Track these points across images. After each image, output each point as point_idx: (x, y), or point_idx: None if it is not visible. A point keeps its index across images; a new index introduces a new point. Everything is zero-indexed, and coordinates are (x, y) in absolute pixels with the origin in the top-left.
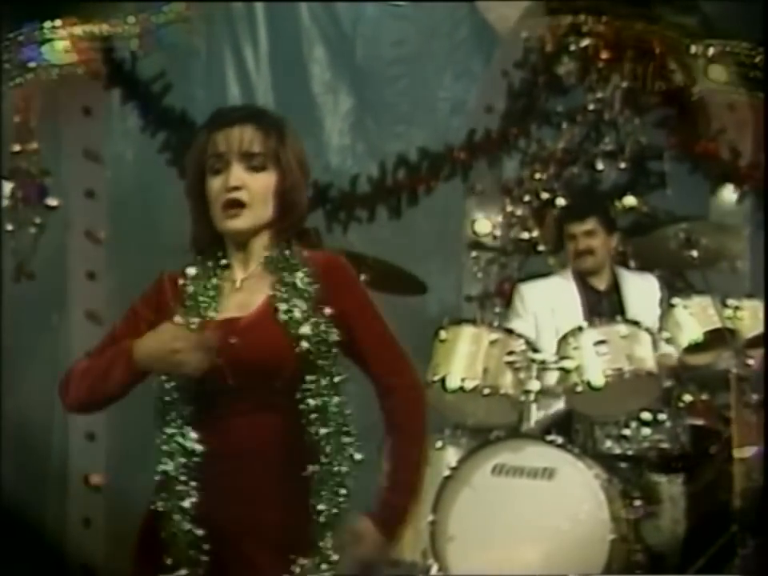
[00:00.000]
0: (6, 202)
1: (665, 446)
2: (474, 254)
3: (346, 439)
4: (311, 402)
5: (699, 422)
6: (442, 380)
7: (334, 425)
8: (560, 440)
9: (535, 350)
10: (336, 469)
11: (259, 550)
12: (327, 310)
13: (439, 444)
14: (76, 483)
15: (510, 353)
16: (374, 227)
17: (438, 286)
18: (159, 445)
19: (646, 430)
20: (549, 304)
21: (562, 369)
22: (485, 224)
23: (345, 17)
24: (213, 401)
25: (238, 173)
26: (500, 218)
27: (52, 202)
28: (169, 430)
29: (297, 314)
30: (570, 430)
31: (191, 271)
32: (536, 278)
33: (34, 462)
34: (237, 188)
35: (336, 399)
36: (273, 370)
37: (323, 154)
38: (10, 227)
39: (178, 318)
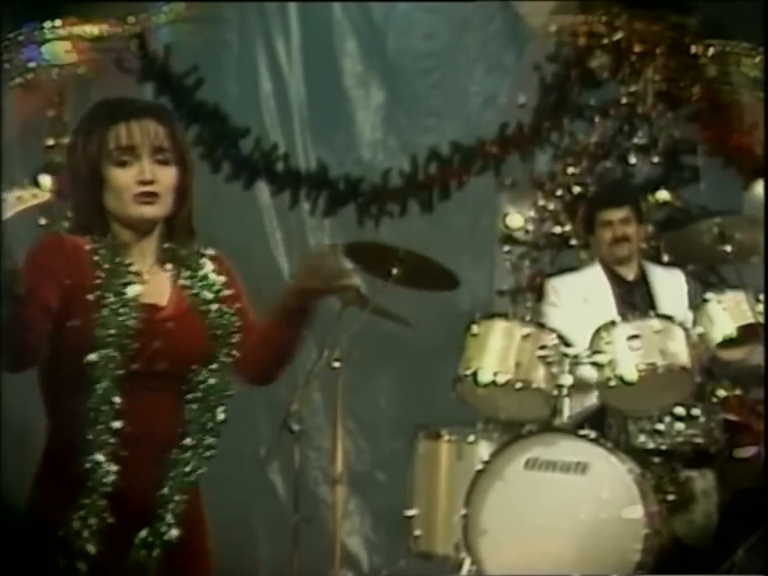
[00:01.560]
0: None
1: (699, 440)
2: (506, 248)
3: (218, 419)
4: (206, 388)
5: (732, 417)
6: (474, 374)
7: (214, 409)
8: (593, 434)
9: (567, 345)
10: (207, 441)
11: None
12: (227, 308)
13: (472, 438)
14: None
15: (543, 347)
16: (405, 221)
17: (470, 280)
18: (89, 416)
19: (680, 425)
20: (581, 295)
21: (594, 363)
22: (517, 218)
23: (377, 10)
24: (137, 382)
25: (150, 166)
26: (532, 213)
27: None
28: (103, 404)
29: (207, 305)
30: (603, 424)
31: (100, 245)
32: (566, 272)
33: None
34: (151, 182)
35: (224, 388)
36: (197, 358)
37: (355, 148)
38: (43, 221)
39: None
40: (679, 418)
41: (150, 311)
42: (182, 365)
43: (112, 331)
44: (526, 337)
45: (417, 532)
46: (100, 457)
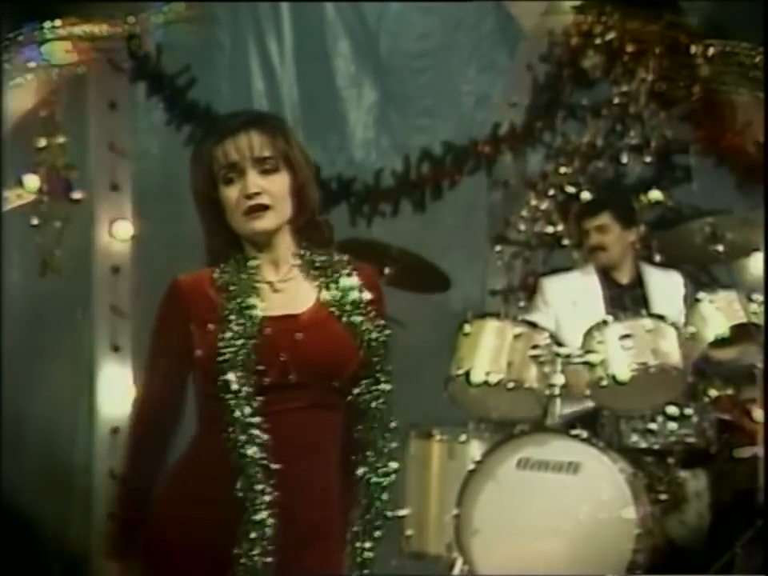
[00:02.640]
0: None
1: (691, 440)
2: (498, 248)
3: (391, 443)
4: (367, 403)
5: (725, 416)
6: (467, 374)
7: (381, 427)
8: (585, 434)
9: (560, 344)
10: (382, 470)
11: (319, 540)
12: (373, 317)
13: (463, 438)
14: (101, 477)
15: (535, 347)
16: (398, 221)
17: (462, 279)
18: (231, 437)
19: (672, 425)
20: (570, 298)
21: (586, 363)
22: None
23: (369, 10)
24: (273, 396)
25: (254, 179)
26: (524, 212)
27: (77, 195)
28: (241, 420)
29: (354, 317)
30: (596, 424)
31: (222, 275)
32: (559, 272)
33: (59, 456)
34: (257, 194)
35: (387, 402)
36: (336, 369)
37: (347, 147)
38: (35, 221)
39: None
40: (672, 418)
41: (278, 323)
42: (317, 375)
43: (234, 351)
44: (518, 336)
45: (408, 532)
46: (254, 474)
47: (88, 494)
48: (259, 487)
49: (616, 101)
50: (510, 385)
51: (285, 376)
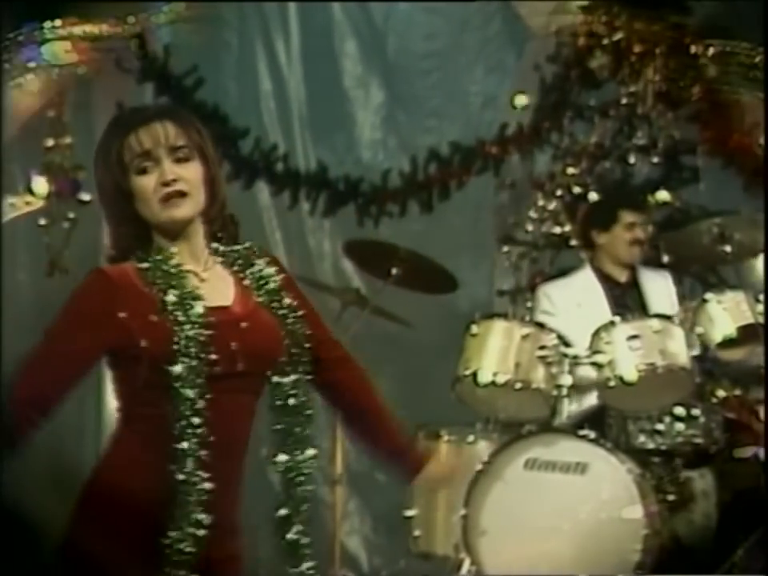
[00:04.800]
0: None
1: (698, 441)
2: (505, 248)
3: (307, 430)
4: (289, 391)
5: (732, 417)
6: (474, 374)
7: (302, 416)
8: (593, 435)
9: (567, 345)
10: (301, 456)
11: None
12: (288, 300)
13: (471, 438)
14: None
15: (542, 347)
16: (405, 222)
17: (470, 280)
18: (172, 424)
19: (680, 425)
20: (575, 300)
21: (594, 363)
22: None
23: (376, 11)
24: (218, 385)
25: (170, 166)
26: (532, 213)
27: (85, 196)
28: (186, 409)
29: (276, 306)
30: (603, 424)
31: (149, 260)
32: (556, 277)
33: (66, 456)
34: (174, 180)
35: (306, 391)
36: (275, 357)
37: (355, 148)
38: (43, 222)
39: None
40: (679, 418)
41: (218, 313)
42: (260, 363)
43: (190, 341)
44: (525, 337)
45: (416, 532)
46: (192, 466)
47: None
48: (194, 479)
49: (623, 101)
50: (518, 385)
51: (234, 365)
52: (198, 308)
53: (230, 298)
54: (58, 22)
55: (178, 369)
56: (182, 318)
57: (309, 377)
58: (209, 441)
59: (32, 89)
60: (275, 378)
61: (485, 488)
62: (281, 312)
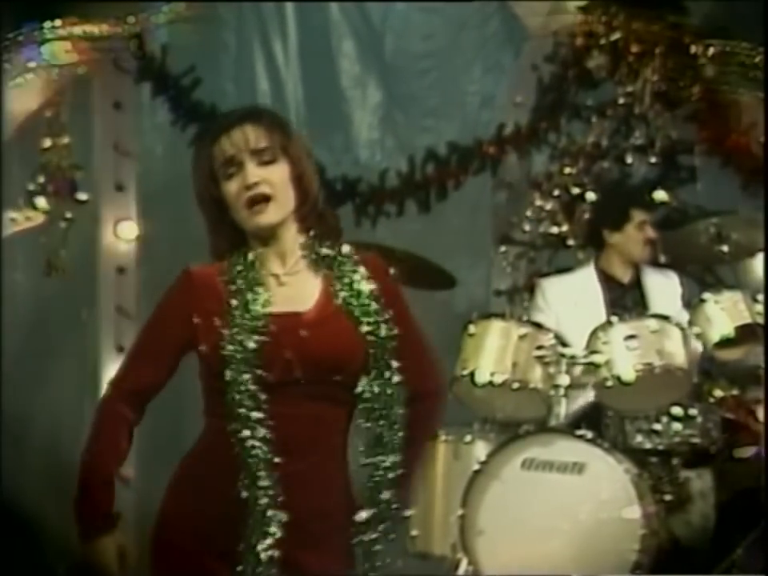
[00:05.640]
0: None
1: (696, 441)
2: (502, 248)
3: (395, 437)
4: (372, 397)
5: (730, 416)
6: (471, 374)
7: (388, 421)
8: (590, 434)
9: (564, 345)
10: (385, 463)
11: (326, 535)
12: (375, 306)
13: (468, 438)
14: None
15: (540, 347)
16: (402, 222)
17: (467, 280)
18: (235, 432)
19: (677, 425)
20: (571, 298)
21: (591, 363)
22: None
23: (374, 11)
24: (278, 393)
25: (252, 169)
26: (529, 213)
27: (82, 196)
28: (244, 416)
29: (360, 311)
30: (600, 424)
31: (232, 262)
32: (557, 273)
33: (64, 456)
34: (256, 183)
35: (393, 396)
36: (341, 365)
37: (352, 148)
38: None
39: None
40: (676, 418)
41: (282, 320)
42: (323, 371)
43: (238, 347)
44: (522, 337)
45: (414, 532)
46: (257, 471)
47: None
48: (263, 483)
49: (621, 101)
50: (515, 385)
51: (290, 374)
52: (257, 315)
53: (309, 302)
54: (57, 22)
55: (228, 375)
56: (239, 323)
57: (395, 380)
58: (277, 446)
59: (32, 89)
60: (360, 385)
61: (482, 488)
62: (364, 318)
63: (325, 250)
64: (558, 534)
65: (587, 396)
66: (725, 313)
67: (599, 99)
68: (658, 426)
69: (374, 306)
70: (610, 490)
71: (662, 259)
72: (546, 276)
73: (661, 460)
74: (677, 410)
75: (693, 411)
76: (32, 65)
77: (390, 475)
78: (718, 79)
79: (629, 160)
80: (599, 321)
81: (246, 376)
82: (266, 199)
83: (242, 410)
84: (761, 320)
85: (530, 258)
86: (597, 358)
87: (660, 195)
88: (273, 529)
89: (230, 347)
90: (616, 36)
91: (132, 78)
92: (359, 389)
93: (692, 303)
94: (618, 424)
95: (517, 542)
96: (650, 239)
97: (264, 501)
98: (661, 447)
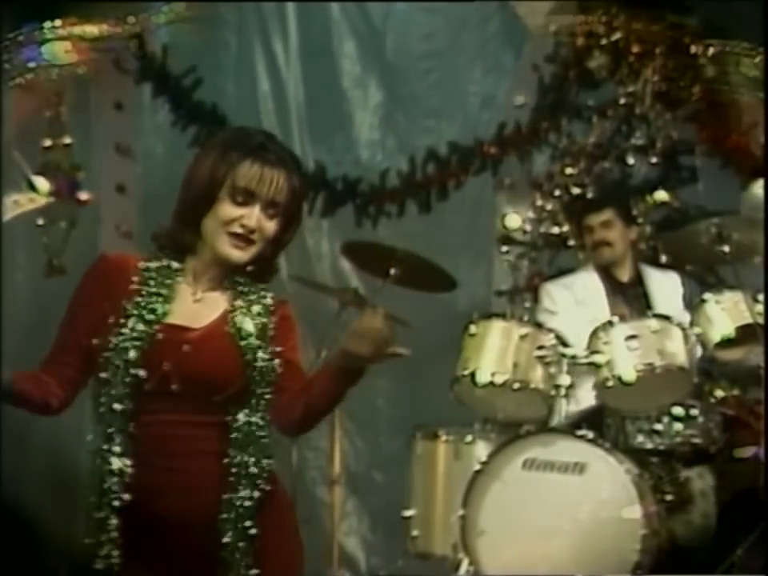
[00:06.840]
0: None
1: (697, 441)
2: (504, 248)
3: (259, 468)
4: (241, 424)
5: (730, 413)
6: (472, 374)
7: (256, 453)
8: (591, 435)
9: (565, 345)
10: (242, 494)
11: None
12: (271, 348)
13: (469, 438)
14: None
15: (541, 347)
16: (403, 222)
17: (468, 280)
18: (96, 429)
19: (678, 425)
20: (575, 299)
21: (592, 363)
22: (515, 219)
23: (375, 11)
24: (150, 402)
25: (257, 215)
26: (530, 213)
27: (83, 196)
28: (108, 418)
29: (250, 340)
30: (601, 424)
31: (151, 264)
32: (560, 275)
33: (65, 455)
34: (252, 230)
35: (262, 426)
36: (217, 386)
37: (353, 148)
38: (41, 222)
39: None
40: (677, 418)
41: (170, 331)
42: (200, 387)
43: (122, 352)
44: (523, 337)
45: (414, 532)
46: (105, 475)
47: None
48: (108, 487)
49: (622, 101)
50: (516, 385)
51: (166, 385)
52: (149, 321)
53: (205, 321)
54: (57, 22)
55: (104, 374)
56: (129, 326)
57: (261, 420)
58: (135, 455)
59: (32, 89)
60: (233, 411)
61: (483, 488)
62: (250, 347)
63: (245, 287)
64: (559, 534)
65: (591, 398)
66: (726, 313)
67: (600, 99)
68: (658, 426)
69: (265, 341)
70: (610, 490)
71: (663, 259)
72: (549, 279)
73: (661, 460)
74: (678, 410)
75: (694, 411)
76: (32, 65)
77: (243, 509)
78: (718, 79)
79: (630, 160)
80: (604, 319)
81: (120, 379)
82: (249, 242)
83: (107, 412)
84: (761, 320)
85: (532, 258)
86: (598, 358)
87: (661, 195)
88: (113, 535)
89: (114, 348)
90: (617, 36)
91: (132, 79)
92: (229, 416)
93: (693, 303)
94: (619, 424)
95: (518, 542)
96: (596, 243)
97: (105, 507)
98: (662, 447)
